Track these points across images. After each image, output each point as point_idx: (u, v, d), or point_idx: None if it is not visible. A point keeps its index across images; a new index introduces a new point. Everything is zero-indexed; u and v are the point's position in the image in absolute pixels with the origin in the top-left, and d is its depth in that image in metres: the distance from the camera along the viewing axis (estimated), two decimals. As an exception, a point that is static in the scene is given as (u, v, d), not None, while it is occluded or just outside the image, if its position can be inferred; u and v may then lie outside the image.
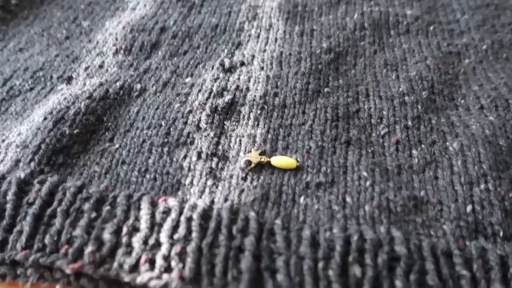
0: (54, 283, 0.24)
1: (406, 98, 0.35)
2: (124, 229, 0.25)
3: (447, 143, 0.31)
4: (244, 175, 0.29)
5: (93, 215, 0.26)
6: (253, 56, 0.41)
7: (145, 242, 0.24)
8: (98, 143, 0.32)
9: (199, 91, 0.37)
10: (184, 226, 0.25)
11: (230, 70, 0.39)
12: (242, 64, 0.40)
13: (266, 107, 0.35)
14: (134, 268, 0.23)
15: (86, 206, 0.26)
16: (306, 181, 0.29)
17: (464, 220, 0.26)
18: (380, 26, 0.45)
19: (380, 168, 0.30)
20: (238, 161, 0.31)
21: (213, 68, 0.39)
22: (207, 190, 0.29)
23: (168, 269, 0.23)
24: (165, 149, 0.31)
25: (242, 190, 0.28)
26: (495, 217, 0.26)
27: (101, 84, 0.37)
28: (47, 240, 0.25)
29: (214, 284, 0.22)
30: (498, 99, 0.35)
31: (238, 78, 0.38)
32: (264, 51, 0.42)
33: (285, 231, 0.25)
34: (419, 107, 0.34)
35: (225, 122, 0.34)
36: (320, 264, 0.23)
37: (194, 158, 0.31)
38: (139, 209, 0.26)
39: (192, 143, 0.32)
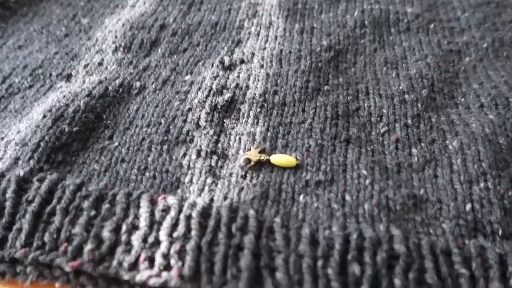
0: (54, 281, 0.24)
1: (406, 96, 0.35)
2: (124, 227, 0.25)
3: (447, 142, 0.31)
4: (243, 173, 0.29)
5: (93, 213, 0.26)
6: (253, 54, 0.41)
7: (145, 240, 0.24)
8: (98, 141, 0.32)
9: (199, 89, 0.36)
10: (184, 224, 0.25)
11: (230, 68, 0.39)
12: (242, 62, 0.40)
13: (265, 105, 0.35)
14: (134, 266, 0.23)
15: (86, 204, 0.26)
16: (305, 179, 0.29)
17: (463, 218, 0.26)
18: (380, 24, 0.45)
19: (379, 166, 0.29)
20: (237, 159, 0.31)
21: (212, 66, 0.39)
22: (206, 188, 0.29)
23: (167, 267, 0.23)
24: (165, 147, 0.31)
25: (242, 188, 0.28)
26: (494, 216, 0.26)
27: (100, 82, 0.37)
28: (46, 238, 0.25)
29: (213, 282, 0.22)
30: (498, 97, 0.35)
31: (238, 76, 0.38)
32: (264, 49, 0.42)
33: (284, 229, 0.25)
34: (419, 105, 0.34)
35: (224, 120, 0.34)
36: (319, 262, 0.23)
37: (193, 156, 0.31)
38: (138, 207, 0.26)
39: (191, 141, 0.32)
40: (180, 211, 0.26)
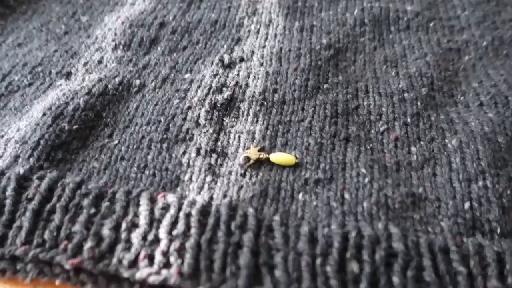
0: (54, 279, 0.25)
1: (406, 94, 0.35)
2: (123, 225, 0.25)
3: (446, 140, 0.31)
4: (243, 171, 0.30)
5: (92, 211, 0.26)
6: (253, 52, 0.41)
7: (144, 238, 0.24)
8: (97, 139, 0.32)
9: (198, 87, 0.36)
10: (183, 222, 0.25)
11: (230, 66, 0.39)
12: (242, 60, 0.40)
13: (265, 103, 0.35)
14: (133, 263, 0.23)
15: (85, 202, 0.26)
16: (304, 177, 0.29)
17: (461, 217, 0.26)
18: (380, 22, 0.45)
19: (378, 165, 0.30)
20: (237, 158, 0.31)
21: (212, 64, 0.39)
22: (206, 186, 0.29)
23: (167, 264, 0.23)
24: (164, 145, 0.32)
25: (241, 187, 0.29)
26: (492, 214, 0.26)
27: (100, 80, 0.37)
28: (46, 235, 0.25)
29: (213, 280, 0.23)
30: (498, 96, 0.35)
31: (238, 74, 0.38)
32: (264, 47, 0.42)
33: (283, 227, 0.25)
34: (419, 104, 0.34)
35: (224, 119, 0.34)
36: (318, 260, 0.23)
37: (193, 154, 0.31)
38: (138, 205, 0.26)
39: (191, 139, 0.32)
40: (179, 209, 0.26)
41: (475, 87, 0.36)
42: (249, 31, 0.44)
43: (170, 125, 0.33)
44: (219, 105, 0.34)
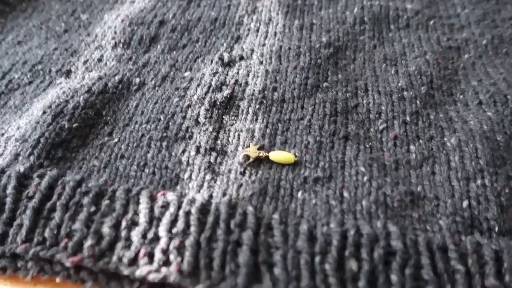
0: (54, 276, 0.25)
1: (405, 93, 0.35)
2: (123, 223, 0.25)
3: (445, 139, 0.31)
4: (242, 169, 0.30)
5: (92, 209, 0.26)
6: (252, 50, 0.41)
7: (144, 236, 0.24)
8: (97, 137, 0.33)
9: (198, 85, 0.37)
10: (183, 220, 0.25)
11: (229, 64, 0.39)
12: (241, 58, 0.40)
13: (265, 101, 0.35)
14: (133, 261, 0.24)
15: (86, 200, 0.26)
16: (304, 176, 0.29)
17: (460, 215, 0.26)
18: (380, 20, 0.44)
19: (377, 163, 0.30)
20: (236, 156, 0.31)
21: (212, 62, 0.39)
22: (205, 184, 0.29)
23: (166, 262, 0.23)
24: (164, 143, 0.32)
25: (241, 185, 0.29)
26: (491, 213, 0.26)
27: (100, 78, 0.37)
28: (47, 233, 0.25)
29: (212, 278, 0.23)
30: (497, 94, 0.35)
31: (237, 73, 0.38)
32: (264, 45, 0.42)
33: (282, 225, 0.25)
34: (418, 102, 0.34)
35: (223, 117, 0.34)
36: (317, 259, 0.23)
37: (192, 153, 0.31)
38: (138, 203, 0.26)
39: (190, 137, 0.32)
40: (179, 207, 0.26)
41: (474, 86, 0.36)
42: (248, 29, 0.44)
43: (170, 123, 0.33)
44: (218, 103, 0.35)
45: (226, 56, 0.40)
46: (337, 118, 0.33)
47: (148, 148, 0.31)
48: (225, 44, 0.42)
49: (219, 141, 0.32)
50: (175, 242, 0.24)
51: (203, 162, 0.30)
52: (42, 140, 0.30)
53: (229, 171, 0.30)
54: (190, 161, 0.30)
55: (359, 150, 0.31)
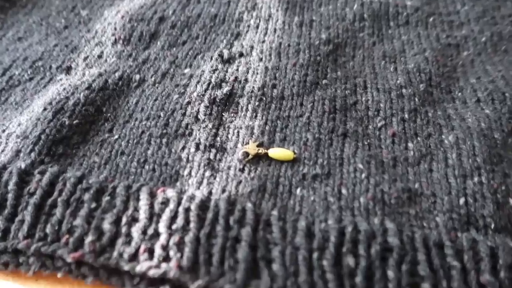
0: (56, 271, 0.25)
1: (404, 90, 0.35)
2: (124, 219, 0.25)
3: (443, 136, 0.31)
4: (241, 166, 0.30)
5: (93, 205, 0.26)
6: (252, 47, 0.41)
7: (144, 232, 0.25)
8: (98, 133, 0.33)
9: (198, 82, 0.37)
10: (182, 216, 0.25)
11: (229, 61, 0.39)
12: (241, 55, 0.40)
13: (264, 98, 0.35)
14: (134, 257, 0.24)
15: (86, 196, 0.26)
16: (302, 172, 0.29)
17: (456, 212, 0.27)
18: (379, 17, 0.45)
19: (375, 160, 0.30)
20: (236, 153, 0.31)
21: (211, 59, 0.40)
22: (205, 181, 0.29)
23: (166, 258, 0.24)
24: (164, 140, 0.32)
25: (240, 181, 0.29)
26: (487, 210, 0.26)
27: (100, 75, 0.37)
28: (48, 229, 0.25)
29: (211, 273, 0.23)
30: (495, 92, 0.35)
31: (237, 69, 0.38)
32: (263, 42, 0.42)
33: (281, 222, 0.25)
34: (416, 99, 0.35)
35: (223, 114, 0.34)
36: (315, 255, 0.24)
37: (192, 149, 0.31)
38: (138, 199, 0.26)
39: (190, 134, 0.32)
40: (179, 203, 0.26)
41: (473, 83, 0.36)
42: (248, 26, 0.44)
43: (170, 120, 0.33)
44: (218, 100, 0.35)
45: (225, 53, 0.40)
46: (336, 115, 0.34)
47: (148, 145, 0.32)
48: (224, 41, 0.42)
49: (218, 138, 0.32)
50: (175, 238, 0.24)
51: (202, 159, 0.30)
52: (43, 136, 0.31)
53: (229, 167, 0.30)
54: (190, 158, 0.31)
55: (357, 147, 0.31)
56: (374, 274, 0.23)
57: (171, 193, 0.27)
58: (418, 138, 0.32)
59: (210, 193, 0.28)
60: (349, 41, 0.42)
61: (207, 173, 0.30)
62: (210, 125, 0.33)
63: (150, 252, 0.24)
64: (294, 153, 0.31)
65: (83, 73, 0.38)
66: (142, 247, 0.24)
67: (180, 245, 0.24)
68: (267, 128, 0.33)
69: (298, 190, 0.28)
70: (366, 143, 0.31)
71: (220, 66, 0.38)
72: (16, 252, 0.25)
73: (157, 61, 0.40)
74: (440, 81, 0.37)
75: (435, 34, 0.42)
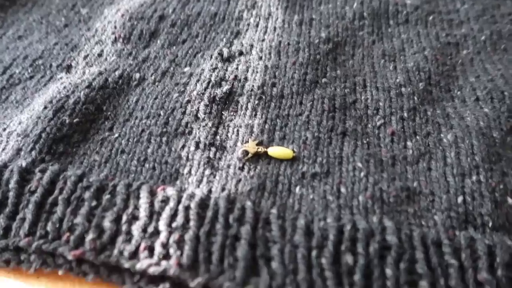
0: (57, 269, 0.25)
1: (403, 89, 0.36)
2: (124, 217, 0.26)
3: (442, 135, 0.32)
4: (241, 165, 0.30)
5: (94, 203, 0.26)
6: (252, 46, 0.41)
7: (144, 230, 0.25)
8: (98, 132, 0.33)
9: (198, 80, 0.37)
10: (182, 214, 0.25)
11: (229, 59, 0.39)
12: (241, 53, 0.40)
13: (264, 97, 0.35)
14: (134, 255, 0.24)
15: (87, 194, 0.27)
16: (302, 171, 0.30)
17: (454, 210, 0.27)
18: (379, 15, 0.45)
19: (374, 159, 0.30)
20: (235, 151, 0.31)
21: (211, 57, 0.40)
22: (204, 179, 0.29)
23: (166, 256, 0.24)
24: (164, 138, 0.32)
25: (239, 180, 0.29)
26: (485, 208, 0.27)
27: (100, 73, 0.37)
28: (49, 227, 0.25)
29: (211, 271, 0.23)
30: (494, 91, 0.35)
31: (237, 68, 0.38)
32: (263, 40, 0.42)
33: (280, 220, 0.26)
34: (415, 98, 0.35)
35: (223, 112, 0.34)
36: (314, 253, 0.24)
37: (192, 148, 0.31)
38: (138, 198, 0.27)
39: (190, 133, 0.33)
40: (179, 202, 0.26)
41: (472, 82, 0.37)
42: (248, 24, 0.44)
43: (170, 118, 0.34)
44: (218, 99, 0.35)
45: (225, 52, 0.40)
46: (335, 114, 0.34)
47: (148, 143, 0.32)
48: (224, 39, 0.42)
49: (218, 137, 0.32)
50: (175, 236, 0.24)
51: (202, 157, 0.31)
52: (43, 135, 0.31)
53: (228, 166, 0.30)
54: (190, 156, 0.31)
55: (356, 146, 0.31)
56: (373, 272, 0.23)
57: (171, 191, 0.27)
58: (417, 137, 0.32)
59: (209, 191, 0.28)
60: (348, 39, 0.42)
61: (207, 172, 0.30)
62: (210, 124, 0.33)
63: (150, 250, 0.24)
64: (294, 151, 0.31)
65: (83, 71, 0.38)
66: (142, 245, 0.24)
67: (180, 243, 0.24)
68: (266, 126, 0.33)
69: (297, 189, 0.28)
70: (365, 141, 0.32)
71: (220, 65, 0.38)
72: (18, 249, 0.26)
73: (157, 59, 0.40)
74: (439, 80, 0.37)
75: (435, 32, 0.42)
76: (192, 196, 0.26)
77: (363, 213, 0.27)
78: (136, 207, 0.26)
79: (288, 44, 0.41)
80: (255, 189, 0.28)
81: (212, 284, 0.23)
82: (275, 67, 0.38)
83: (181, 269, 0.23)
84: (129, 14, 0.45)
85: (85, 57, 0.40)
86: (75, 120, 0.33)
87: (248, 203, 0.26)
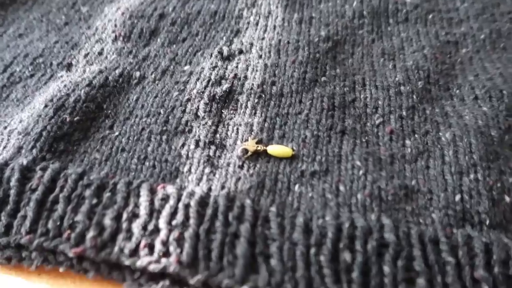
0: (58, 266, 0.26)
1: (402, 88, 0.36)
2: (124, 215, 0.26)
3: (440, 133, 0.32)
4: (241, 163, 0.30)
5: (94, 201, 0.26)
6: (252, 44, 0.41)
7: (145, 227, 0.25)
8: (98, 130, 0.33)
9: (198, 79, 0.37)
10: (182, 212, 0.26)
11: (229, 58, 0.39)
12: (241, 52, 0.40)
13: (263, 96, 0.35)
14: (134, 252, 0.24)
15: (87, 192, 0.27)
16: (301, 169, 0.30)
17: (452, 208, 0.27)
18: (379, 14, 0.45)
19: (373, 157, 0.30)
20: (235, 150, 0.31)
21: (211, 56, 0.40)
22: (204, 177, 0.29)
23: (166, 253, 0.24)
24: (164, 137, 0.32)
25: (239, 178, 0.29)
26: (482, 206, 0.27)
27: (100, 72, 0.37)
28: (50, 225, 0.26)
29: (211, 269, 0.23)
30: (493, 89, 0.35)
31: (236, 67, 0.38)
32: (263, 39, 0.42)
33: (279, 218, 0.26)
34: (414, 97, 0.35)
35: (223, 111, 0.34)
36: (312, 250, 0.24)
37: (192, 146, 0.31)
38: (138, 196, 0.27)
39: (190, 131, 0.33)
40: (179, 200, 0.26)
41: (471, 81, 0.37)
42: (248, 23, 0.44)
43: (170, 117, 0.34)
44: (217, 97, 0.35)
45: (225, 50, 0.40)
46: (335, 112, 0.34)
47: (148, 142, 0.32)
48: (224, 38, 0.42)
49: (218, 135, 0.32)
50: (175, 234, 0.25)
51: (202, 156, 0.31)
52: (44, 133, 0.31)
53: (228, 164, 0.30)
54: (190, 155, 0.31)
55: (355, 144, 0.31)
56: (371, 270, 0.23)
57: (171, 189, 0.27)
58: (416, 135, 0.32)
59: (209, 189, 0.28)
60: (348, 38, 0.42)
61: (207, 170, 0.30)
62: (209, 122, 0.33)
63: (151, 247, 0.24)
64: (293, 150, 0.31)
65: (84, 70, 0.38)
66: (143, 243, 0.24)
67: (179, 241, 0.24)
68: (266, 125, 0.33)
69: (297, 187, 0.29)
70: (364, 140, 0.32)
71: (219, 63, 0.39)
72: (19, 247, 0.26)
73: (157, 58, 0.40)
74: (438, 79, 0.37)
75: (434, 31, 0.42)
76: (192, 194, 0.27)
77: (361, 211, 0.27)
78: (137, 205, 0.26)
79: (288, 42, 0.41)
80: (254, 187, 0.28)
81: (211, 281, 0.23)
82: (275, 65, 0.38)
83: (181, 266, 0.23)
84: (129, 12, 0.45)
85: (86, 55, 0.41)
86: (75, 119, 0.33)
87: (248, 201, 0.26)
